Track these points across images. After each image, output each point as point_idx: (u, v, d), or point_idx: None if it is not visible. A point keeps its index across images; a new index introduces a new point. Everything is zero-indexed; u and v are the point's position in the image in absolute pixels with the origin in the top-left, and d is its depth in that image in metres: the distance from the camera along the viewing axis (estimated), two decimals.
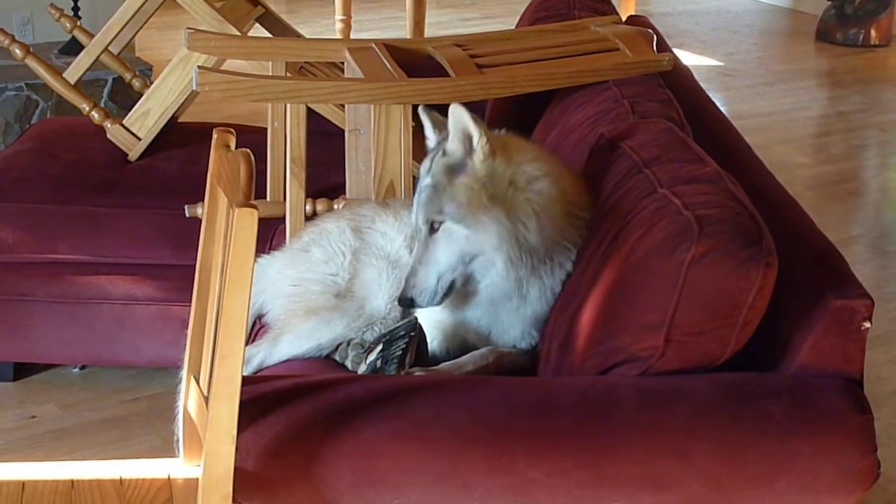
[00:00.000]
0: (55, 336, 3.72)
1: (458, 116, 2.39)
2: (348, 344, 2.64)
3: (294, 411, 2.05)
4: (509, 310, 2.49)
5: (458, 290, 2.49)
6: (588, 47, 3.35)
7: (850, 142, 6.52)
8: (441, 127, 2.53)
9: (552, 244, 2.43)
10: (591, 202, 2.52)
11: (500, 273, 2.43)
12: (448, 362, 2.48)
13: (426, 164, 2.50)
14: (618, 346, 2.18)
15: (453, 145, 2.42)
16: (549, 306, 2.49)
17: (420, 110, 2.61)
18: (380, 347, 2.49)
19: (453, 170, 2.42)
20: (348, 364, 2.63)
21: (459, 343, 2.57)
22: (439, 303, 2.47)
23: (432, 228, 2.44)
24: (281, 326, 2.77)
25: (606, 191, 2.46)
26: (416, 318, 2.52)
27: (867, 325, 2.09)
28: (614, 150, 2.55)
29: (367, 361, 2.50)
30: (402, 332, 2.48)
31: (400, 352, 2.45)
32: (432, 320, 2.57)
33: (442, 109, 3.43)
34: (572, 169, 2.61)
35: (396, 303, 2.57)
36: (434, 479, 2.03)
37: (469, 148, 2.41)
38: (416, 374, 2.37)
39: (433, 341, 2.56)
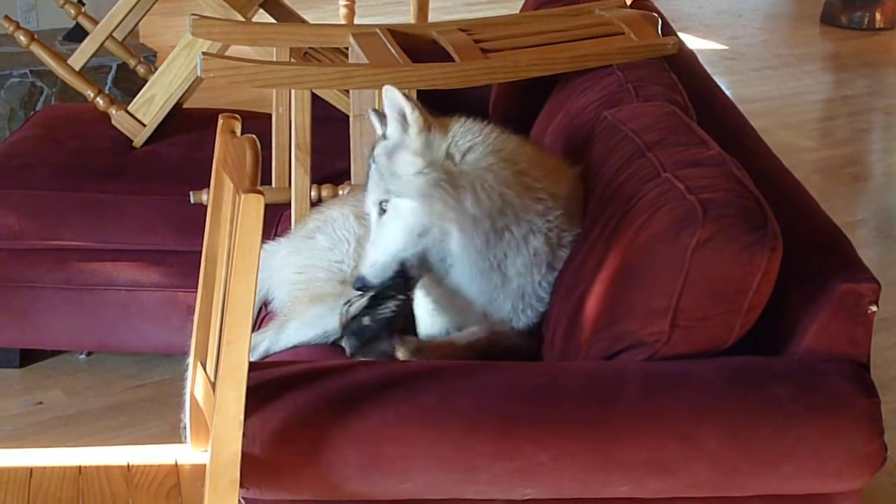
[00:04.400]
0: (61, 322, 3.73)
1: (391, 97, 2.41)
2: (349, 303, 2.62)
3: (300, 397, 2.05)
4: (494, 287, 2.47)
5: (428, 276, 2.47)
6: (593, 31, 3.34)
7: (854, 125, 6.51)
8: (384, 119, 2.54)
9: (501, 213, 2.41)
10: (556, 171, 2.53)
11: (458, 244, 2.40)
12: (440, 337, 2.47)
13: (369, 152, 2.51)
14: (623, 331, 2.18)
15: (391, 127, 2.44)
16: (540, 279, 2.47)
17: (370, 111, 2.61)
18: (365, 304, 2.46)
19: (394, 150, 2.43)
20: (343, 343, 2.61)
21: (455, 327, 2.57)
22: (392, 282, 2.43)
23: (381, 210, 2.44)
24: (287, 313, 2.77)
25: (608, 175, 2.45)
26: (402, 281, 2.49)
27: (874, 308, 2.10)
28: (616, 133, 2.55)
29: (353, 319, 2.48)
30: (392, 293, 2.46)
31: (390, 313, 2.44)
32: (427, 308, 2.57)
33: (444, 95, 3.43)
34: (540, 145, 2.61)
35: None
36: (440, 463, 2.04)
37: (406, 126, 2.42)
38: (411, 341, 2.37)
39: (432, 326, 2.56)
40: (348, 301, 2.53)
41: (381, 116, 2.51)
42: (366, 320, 2.44)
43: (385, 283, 2.43)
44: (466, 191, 2.38)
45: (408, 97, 2.41)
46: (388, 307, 2.43)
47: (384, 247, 2.42)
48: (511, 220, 2.42)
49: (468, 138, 2.45)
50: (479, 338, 2.46)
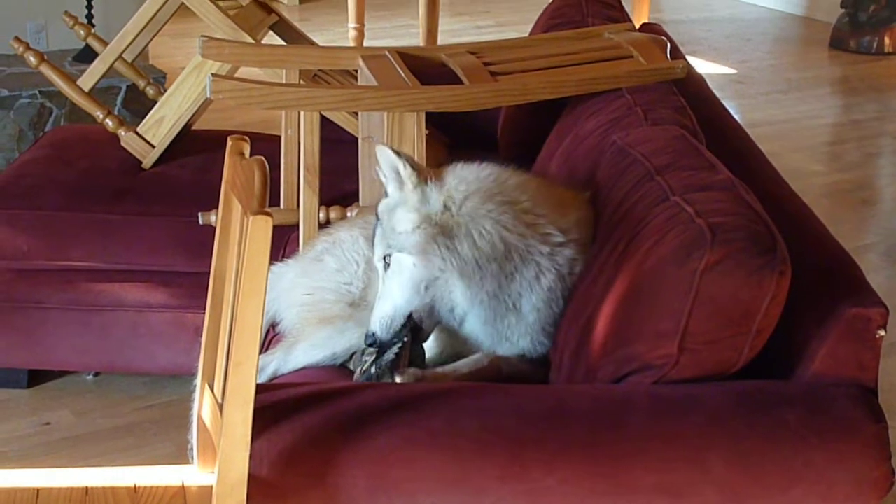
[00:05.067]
0: (69, 343, 3.73)
1: (385, 156, 2.44)
2: (363, 353, 2.64)
3: (308, 419, 2.05)
4: (510, 325, 2.49)
5: (443, 328, 2.51)
6: (602, 55, 3.35)
7: (864, 150, 6.51)
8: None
9: (506, 258, 2.42)
10: (563, 203, 2.53)
11: (465, 295, 2.43)
12: (444, 366, 2.47)
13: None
14: (631, 354, 2.18)
15: (391, 186, 2.47)
16: (557, 309, 2.48)
17: (376, 169, 2.62)
18: (374, 357, 2.49)
19: (393, 207, 2.46)
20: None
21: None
22: (399, 334, 2.46)
23: (386, 265, 2.47)
24: (295, 335, 2.77)
25: (618, 198, 2.45)
26: (407, 330, 2.52)
27: (882, 333, 2.09)
28: (626, 157, 2.55)
29: (362, 371, 2.50)
30: (395, 340, 2.48)
31: (393, 356, 2.46)
32: (437, 351, 2.58)
33: (454, 118, 3.44)
34: (545, 176, 2.61)
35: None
36: (447, 486, 2.03)
37: (401, 182, 2.44)
38: (411, 372, 2.37)
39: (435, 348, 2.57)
40: (362, 351, 2.55)
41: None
42: (373, 369, 2.46)
43: (395, 336, 2.47)
44: (464, 240, 2.40)
45: (400, 154, 2.44)
46: (393, 351, 2.46)
47: (391, 302, 2.46)
48: (518, 263, 2.43)
49: (464, 187, 2.47)
50: (483, 365, 2.46)
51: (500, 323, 2.48)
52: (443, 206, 2.43)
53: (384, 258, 2.47)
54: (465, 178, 2.49)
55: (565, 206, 2.54)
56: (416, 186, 2.43)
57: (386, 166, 2.45)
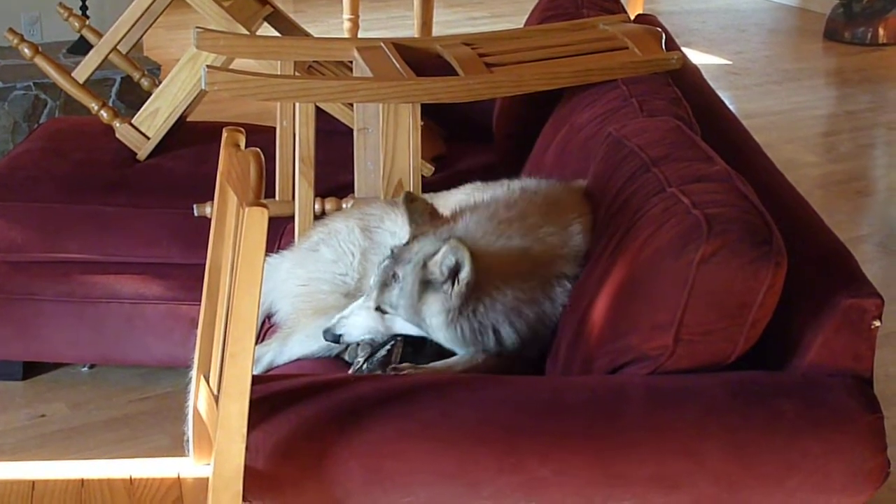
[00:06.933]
0: (64, 335, 3.73)
1: (460, 254, 2.33)
2: (357, 344, 2.64)
3: (304, 410, 2.05)
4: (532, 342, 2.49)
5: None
6: (597, 46, 3.35)
7: (858, 140, 6.51)
8: (418, 220, 2.53)
9: (492, 323, 2.41)
10: (560, 226, 2.49)
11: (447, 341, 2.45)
12: (437, 362, 2.47)
13: (404, 252, 2.47)
14: (627, 345, 2.18)
15: (437, 268, 2.37)
16: (552, 325, 2.47)
17: (402, 201, 2.58)
18: (366, 354, 2.50)
19: (426, 284, 2.39)
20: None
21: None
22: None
23: (379, 308, 2.46)
24: (290, 326, 2.77)
25: (614, 190, 2.45)
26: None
27: (877, 323, 2.10)
28: (622, 149, 2.55)
29: (356, 370, 2.51)
30: (386, 339, 2.49)
31: (385, 352, 2.46)
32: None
33: (449, 109, 3.44)
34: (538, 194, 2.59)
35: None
36: (443, 478, 2.03)
37: (451, 276, 2.36)
38: (405, 369, 2.37)
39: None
40: (356, 343, 2.57)
41: (410, 211, 2.52)
42: (366, 367, 2.47)
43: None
44: (491, 335, 2.41)
45: (471, 259, 2.33)
46: (385, 348, 2.47)
47: (365, 331, 2.50)
48: (513, 310, 2.43)
49: (487, 271, 2.39)
50: (478, 362, 2.45)
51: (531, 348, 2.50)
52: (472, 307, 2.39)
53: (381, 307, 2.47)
54: (486, 259, 2.40)
55: (563, 237, 2.49)
56: (467, 300, 2.38)
57: (448, 257, 2.35)
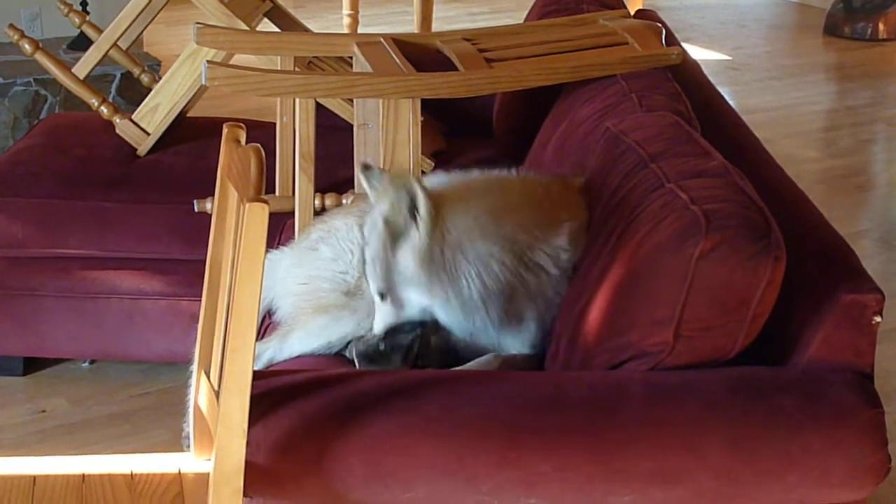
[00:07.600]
0: (64, 331, 3.73)
1: (405, 188, 2.35)
2: (359, 339, 2.64)
3: (304, 406, 2.05)
4: (513, 335, 2.49)
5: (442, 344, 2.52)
6: (597, 41, 3.35)
7: (858, 136, 6.51)
8: (376, 186, 2.52)
9: (508, 293, 2.42)
10: (551, 217, 2.49)
11: (464, 325, 2.45)
12: (453, 368, 2.47)
13: (367, 230, 2.49)
14: (627, 341, 2.18)
15: (397, 216, 2.38)
16: (555, 310, 2.47)
17: (359, 173, 2.58)
18: (384, 335, 2.49)
19: (398, 243, 2.40)
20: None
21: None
22: (414, 324, 2.50)
23: (382, 296, 2.47)
24: (290, 324, 2.77)
25: (612, 186, 2.45)
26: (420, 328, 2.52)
27: (878, 319, 2.10)
28: (620, 144, 2.55)
29: (367, 341, 2.50)
30: (409, 327, 2.48)
31: (407, 341, 2.46)
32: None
33: (448, 105, 3.44)
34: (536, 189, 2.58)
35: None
36: (443, 473, 2.03)
37: (411, 216, 2.37)
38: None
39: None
40: (357, 338, 2.56)
41: (369, 174, 2.51)
42: (381, 346, 2.46)
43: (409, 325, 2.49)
44: (470, 281, 2.40)
45: (424, 190, 2.34)
46: (407, 336, 2.45)
47: (393, 316, 2.49)
48: (520, 293, 2.43)
49: (461, 223, 2.40)
50: (492, 368, 2.45)
51: (504, 334, 2.49)
52: (440, 251, 2.39)
53: (380, 293, 2.47)
54: (461, 211, 2.43)
55: (558, 219, 2.49)
56: (432, 231, 2.38)
57: (399, 197, 2.37)
